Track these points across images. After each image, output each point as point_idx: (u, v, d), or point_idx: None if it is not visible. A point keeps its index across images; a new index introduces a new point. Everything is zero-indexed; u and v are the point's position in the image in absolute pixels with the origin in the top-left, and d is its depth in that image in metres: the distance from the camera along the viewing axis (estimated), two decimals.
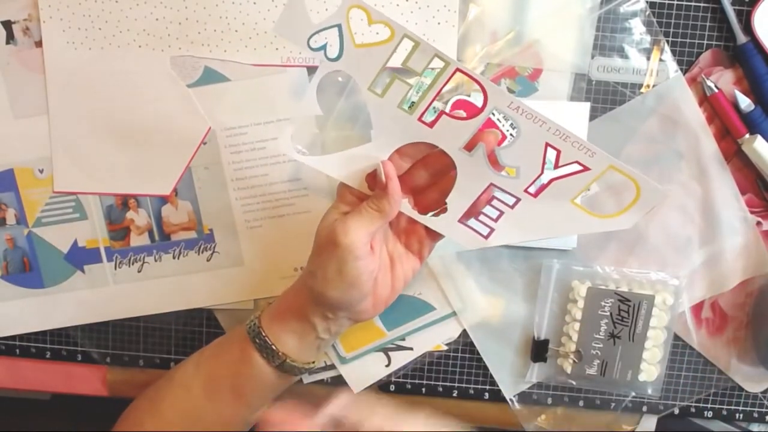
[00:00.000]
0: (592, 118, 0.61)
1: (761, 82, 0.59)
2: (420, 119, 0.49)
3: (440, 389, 0.66)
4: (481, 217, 0.52)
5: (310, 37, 0.48)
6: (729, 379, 0.65)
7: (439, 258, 0.63)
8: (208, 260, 0.64)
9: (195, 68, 0.61)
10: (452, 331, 0.65)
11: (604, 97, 0.61)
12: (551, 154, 0.48)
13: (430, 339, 0.65)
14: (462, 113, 0.49)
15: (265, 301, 0.64)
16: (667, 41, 0.61)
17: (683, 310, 0.64)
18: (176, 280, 0.65)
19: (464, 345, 0.65)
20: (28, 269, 0.65)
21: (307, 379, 0.65)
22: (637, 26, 0.60)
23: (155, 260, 0.64)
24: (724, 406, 0.66)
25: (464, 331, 0.64)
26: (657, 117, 0.62)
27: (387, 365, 0.65)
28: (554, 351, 0.64)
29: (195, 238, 0.64)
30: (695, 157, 0.62)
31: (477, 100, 0.59)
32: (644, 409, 0.66)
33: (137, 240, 0.64)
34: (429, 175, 0.52)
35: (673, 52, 0.61)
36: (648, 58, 0.61)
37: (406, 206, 0.51)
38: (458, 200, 0.51)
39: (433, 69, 0.47)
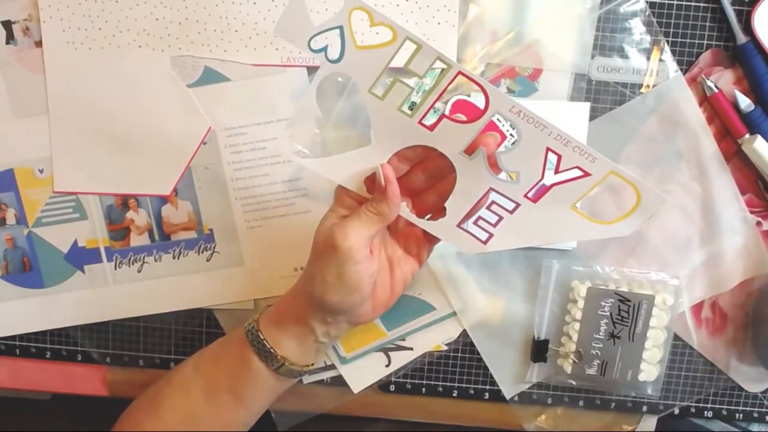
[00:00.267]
0: (592, 118, 0.61)
1: (761, 82, 0.59)
2: (420, 122, 0.48)
3: (440, 389, 0.66)
4: (480, 222, 0.51)
5: (311, 38, 0.47)
6: (729, 379, 0.65)
7: (439, 258, 0.63)
8: (208, 260, 0.64)
9: (195, 68, 0.61)
10: (452, 331, 0.65)
11: (604, 97, 0.61)
12: (552, 158, 0.48)
13: (430, 339, 0.65)
14: (462, 117, 0.48)
15: (264, 302, 0.65)
16: (667, 41, 0.61)
17: (683, 310, 0.64)
18: (176, 280, 0.65)
19: (464, 345, 0.65)
20: (28, 269, 0.65)
21: (307, 379, 0.65)
22: (637, 26, 0.60)
23: (155, 260, 0.64)
24: (724, 406, 0.66)
25: (464, 331, 0.64)
26: (657, 117, 0.61)
27: (387, 365, 0.65)
28: (554, 351, 0.64)
29: (195, 238, 0.64)
30: (695, 157, 0.62)
31: (477, 100, 0.59)
32: (644, 409, 0.66)
33: (137, 240, 0.64)
34: (428, 178, 0.51)
35: (673, 52, 0.61)
36: (648, 58, 0.61)
37: (404, 209, 0.51)
38: (457, 204, 0.50)
39: (434, 69, 0.47)
